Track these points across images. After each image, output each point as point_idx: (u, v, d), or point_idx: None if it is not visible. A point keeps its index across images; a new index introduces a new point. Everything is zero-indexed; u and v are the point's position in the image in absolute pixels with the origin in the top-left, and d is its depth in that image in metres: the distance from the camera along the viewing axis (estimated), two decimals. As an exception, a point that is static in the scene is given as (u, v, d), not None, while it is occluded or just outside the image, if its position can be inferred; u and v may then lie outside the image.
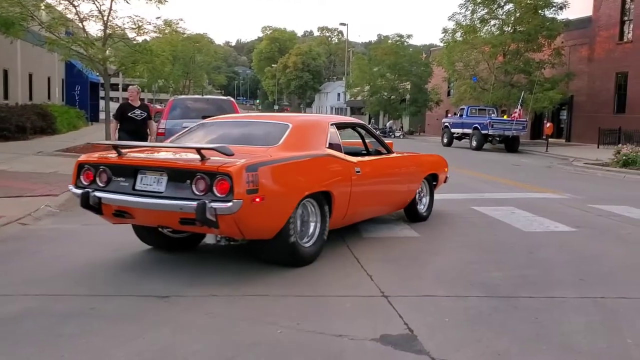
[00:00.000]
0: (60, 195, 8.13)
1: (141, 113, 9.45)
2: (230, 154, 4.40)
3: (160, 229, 5.27)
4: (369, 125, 6.68)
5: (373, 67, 45.17)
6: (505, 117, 29.14)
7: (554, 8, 30.35)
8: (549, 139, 28.29)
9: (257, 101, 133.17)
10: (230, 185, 4.22)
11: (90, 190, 4.80)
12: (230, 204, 4.19)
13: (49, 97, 28.59)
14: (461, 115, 29.81)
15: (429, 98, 44.04)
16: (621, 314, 4.00)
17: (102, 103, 30.57)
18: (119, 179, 4.79)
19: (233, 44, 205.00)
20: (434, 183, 7.65)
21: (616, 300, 4.30)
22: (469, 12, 32.64)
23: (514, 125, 26.92)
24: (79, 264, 5.11)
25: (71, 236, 6.25)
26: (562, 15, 31.17)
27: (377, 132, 8.53)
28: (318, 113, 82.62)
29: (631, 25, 29.33)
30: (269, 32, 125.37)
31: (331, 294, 4.33)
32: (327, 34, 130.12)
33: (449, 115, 36.27)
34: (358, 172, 5.64)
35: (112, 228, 6.65)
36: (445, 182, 8.09)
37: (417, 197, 7.15)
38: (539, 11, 30.32)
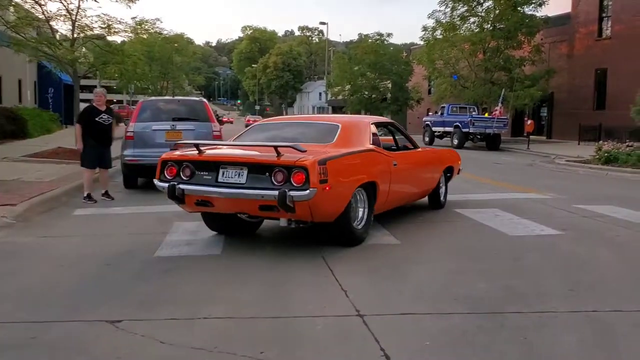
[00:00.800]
0: (19, 205, 7.64)
1: (108, 118, 9.01)
2: (304, 151, 5.17)
3: (239, 215, 5.99)
4: (398, 124, 8.01)
5: (353, 66, 44.88)
6: (486, 114, 29.00)
7: (533, 5, 30.26)
8: (530, 136, 28.25)
9: (239, 101, 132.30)
10: (306, 176, 5.01)
11: (175, 183, 5.51)
12: (307, 191, 4.98)
13: (20, 100, 27.75)
14: (442, 114, 29.58)
15: (410, 96, 43.88)
16: (616, 331, 3.67)
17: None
18: (202, 173, 5.54)
19: (213, 44, 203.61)
20: (449, 175, 8.56)
21: (609, 314, 3.96)
22: (448, 9, 32.48)
23: (495, 123, 26.80)
24: (28, 283, 4.67)
25: (24, 250, 5.79)
26: (541, 12, 31.11)
27: None
28: (300, 113, 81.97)
29: (610, 22, 29.38)
30: (249, 32, 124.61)
31: (301, 314, 3.94)
32: (308, 34, 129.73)
33: (430, 113, 36.08)
34: (395, 164, 6.47)
35: (68, 242, 6.22)
36: (458, 173, 8.95)
37: (438, 185, 8.09)
38: (518, 8, 30.22)
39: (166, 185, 5.55)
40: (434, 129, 30.10)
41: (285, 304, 4.15)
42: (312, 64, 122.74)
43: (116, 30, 15.70)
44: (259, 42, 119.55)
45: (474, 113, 28.67)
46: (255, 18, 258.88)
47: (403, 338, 3.51)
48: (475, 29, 32.03)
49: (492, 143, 27.34)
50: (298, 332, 3.62)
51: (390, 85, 44.79)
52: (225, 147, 6.32)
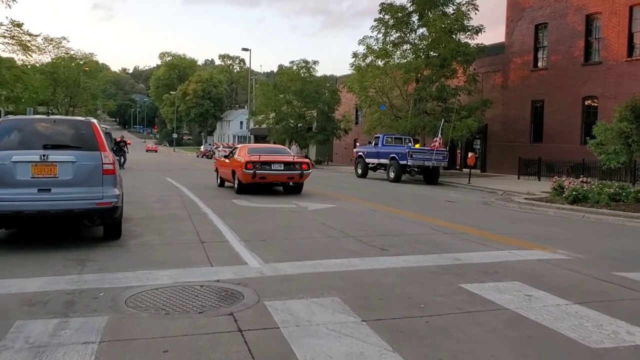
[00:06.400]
0: None
1: None
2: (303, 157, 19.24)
3: (275, 182, 16.29)
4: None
5: (278, 94, 42.40)
6: (417, 146, 27.06)
7: (469, 32, 28.98)
8: (466, 169, 26.60)
9: (155, 127, 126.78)
10: (309, 166, 16.40)
11: (255, 170, 15.22)
12: (310, 170, 16.57)
13: None
14: (376, 144, 27.36)
15: (338, 126, 41.86)
16: None
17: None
18: (264, 165, 15.41)
19: (130, 71, 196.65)
20: None
21: None
22: (380, 35, 30.76)
23: (435, 155, 24.84)
24: None
25: None
26: (476, 41, 29.93)
27: None
28: (220, 141, 79.84)
29: (545, 52, 28.57)
30: (167, 59, 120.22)
31: None
32: (229, 62, 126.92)
33: (359, 144, 34.00)
34: None
35: None
36: None
37: None
38: (454, 35, 28.84)
39: (251, 171, 14.97)
40: (367, 160, 27.77)
41: None
42: (233, 92, 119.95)
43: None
44: (177, 69, 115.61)
45: (410, 144, 26.69)
46: (174, 46, 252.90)
47: None
48: (409, 55, 30.39)
49: (430, 177, 25.30)
50: None
51: (316, 114, 42.61)
52: (270, 156, 16.00)
